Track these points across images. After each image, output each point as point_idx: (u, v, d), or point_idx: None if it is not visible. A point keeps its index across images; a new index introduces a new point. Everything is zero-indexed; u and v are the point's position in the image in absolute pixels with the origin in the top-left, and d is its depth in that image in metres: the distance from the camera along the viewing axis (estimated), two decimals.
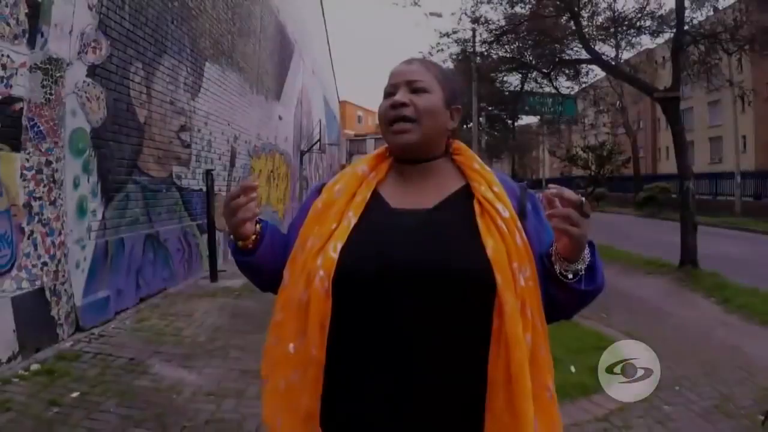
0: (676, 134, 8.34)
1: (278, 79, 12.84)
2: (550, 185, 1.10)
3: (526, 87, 18.66)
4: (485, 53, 14.96)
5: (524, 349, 0.91)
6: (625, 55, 19.55)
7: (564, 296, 1.00)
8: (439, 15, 19.22)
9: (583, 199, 0.90)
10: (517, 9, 12.16)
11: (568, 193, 0.91)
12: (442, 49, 14.03)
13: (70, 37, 4.49)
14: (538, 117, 24.81)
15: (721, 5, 10.61)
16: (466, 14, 13.10)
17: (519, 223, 0.99)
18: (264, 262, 1.09)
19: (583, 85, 16.56)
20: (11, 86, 3.93)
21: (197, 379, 3.52)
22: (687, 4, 11.11)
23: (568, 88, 17.14)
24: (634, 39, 13.40)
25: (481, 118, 25.99)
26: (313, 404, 0.95)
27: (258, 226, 1.08)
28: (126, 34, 5.35)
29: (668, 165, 42.17)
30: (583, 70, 14.67)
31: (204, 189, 7.22)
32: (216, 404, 3.13)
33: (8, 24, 3.92)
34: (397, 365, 0.94)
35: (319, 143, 17.11)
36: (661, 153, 44.85)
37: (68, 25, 4.48)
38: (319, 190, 1.11)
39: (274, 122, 12.46)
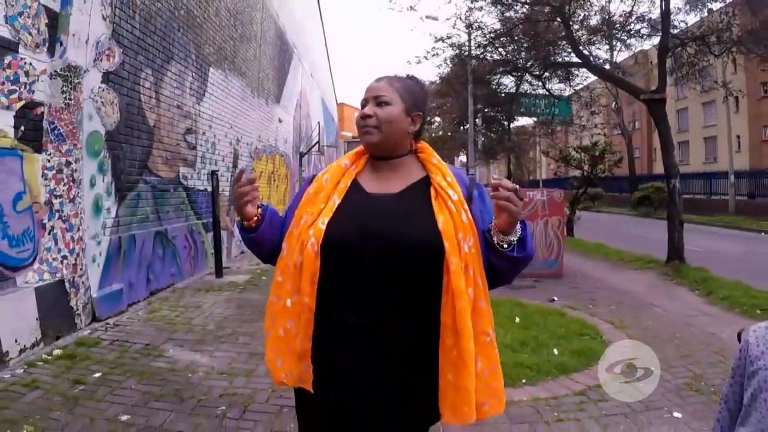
0: (662, 135, 8.65)
1: (278, 83, 13.15)
2: (494, 176, 1.41)
3: (522, 89, 19.00)
4: (480, 56, 15.25)
5: (467, 300, 1.22)
6: (621, 56, 19.94)
7: (501, 263, 1.31)
8: (435, 18, 19.49)
9: (518, 186, 1.21)
10: (511, 13, 12.48)
11: (507, 182, 1.22)
12: (437, 54, 14.35)
13: (86, 46, 4.79)
14: (534, 118, 25.11)
15: (708, 9, 10.95)
16: (460, 19, 13.44)
17: (465, 206, 1.30)
18: (265, 238, 1.41)
19: (576, 87, 16.84)
20: (33, 92, 4.24)
21: (210, 361, 3.81)
22: (680, 6, 11.48)
23: (561, 90, 17.45)
24: (628, 41, 13.73)
25: (477, 120, 26.32)
26: (305, 345, 1.27)
27: (259, 209, 1.40)
28: (137, 42, 5.66)
29: (662, 165, 42.62)
30: (575, 73, 14.97)
31: (208, 189, 7.52)
32: (228, 381, 3.43)
33: (30, 34, 4.23)
34: (371, 311, 1.25)
35: (317, 145, 17.40)
36: (657, 153, 45.18)
37: (84, 35, 4.78)
38: (311, 180, 1.44)
39: (275, 125, 12.76)
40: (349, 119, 55.67)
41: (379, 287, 1.25)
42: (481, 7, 11.49)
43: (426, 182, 1.37)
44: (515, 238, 1.27)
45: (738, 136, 31.07)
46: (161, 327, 4.67)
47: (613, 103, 36.52)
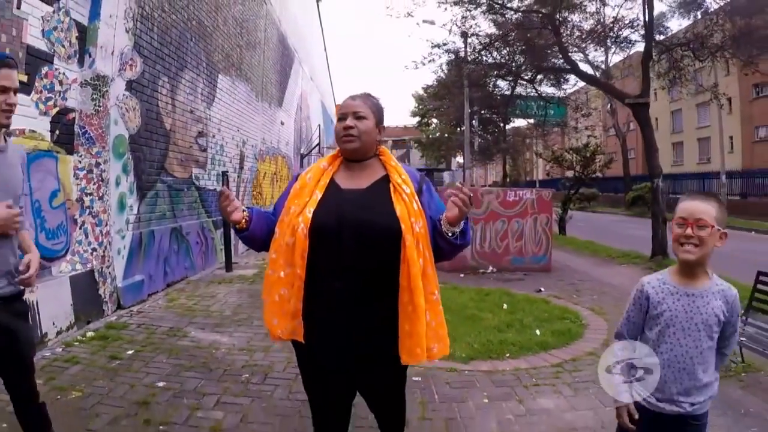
0: (646, 137, 9.13)
1: (280, 87, 13.60)
2: (458, 183, 1.87)
3: (516, 92, 19.49)
4: (476, 59, 15.69)
5: (418, 267, 1.67)
6: (617, 57, 20.43)
7: (445, 245, 1.76)
8: (432, 22, 19.97)
9: (471, 194, 1.67)
10: (506, 18, 12.95)
11: (465, 189, 1.66)
12: (434, 59, 14.84)
13: (112, 57, 5.25)
14: (530, 120, 25.61)
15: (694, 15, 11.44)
16: (456, 25, 13.90)
17: (416, 197, 1.76)
18: (255, 234, 1.84)
19: (569, 91, 17.35)
20: (66, 99, 4.69)
21: (230, 340, 4.27)
22: (666, 12, 11.98)
23: (555, 93, 17.95)
24: (618, 46, 14.22)
25: (474, 121, 26.83)
26: (297, 305, 1.72)
27: (245, 213, 1.81)
28: (155, 52, 6.11)
29: None
30: (566, 77, 15.47)
31: (218, 189, 7.96)
32: (248, 356, 3.90)
33: (63, 46, 4.68)
34: (348, 278, 1.69)
35: (318, 146, 17.85)
36: None
37: (110, 47, 5.24)
38: (296, 178, 1.89)
39: (277, 127, 13.22)
40: None
41: (353, 259, 1.69)
42: (474, 16, 11.96)
43: (386, 179, 1.81)
44: (459, 230, 1.72)
45: (731, 137, 31.60)
46: (181, 313, 5.13)
47: (608, 105, 36.96)
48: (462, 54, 15.49)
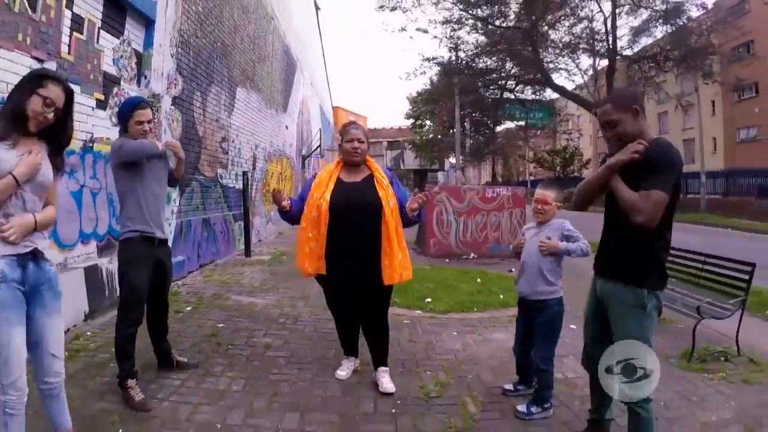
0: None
1: (285, 94, 14.84)
2: (441, 183, 3.24)
3: (505, 95, 20.86)
4: (465, 67, 17.02)
5: (392, 226, 3.02)
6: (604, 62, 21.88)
7: (407, 221, 3.13)
8: (425, 31, 21.23)
9: (428, 199, 3.03)
10: (493, 28, 14.29)
11: (427, 194, 3.08)
12: (424, 72, 16.18)
13: (161, 78, 6.49)
14: (519, 123, 26.98)
15: (659, 31, 12.81)
16: (446, 37, 15.24)
17: (390, 187, 3.10)
18: (295, 214, 3.18)
19: (550, 96, 18.71)
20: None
21: (263, 302, 5.53)
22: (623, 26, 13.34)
23: (536, 97, 19.31)
24: (590, 59, 15.63)
25: (465, 123, 28.17)
26: (321, 252, 3.07)
27: (288, 202, 3.14)
28: (190, 71, 7.36)
29: None
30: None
31: (236, 186, 9.23)
32: (280, 309, 5.16)
33: (127, 71, 5.92)
34: (352, 234, 3.03)
35: (319, 149, 19.08)
36: None
37: (160, 70, 6.48)
38: (314, 177, 3.26)
39: (282, 131, 14.46)
40: (344, 122, 57.23)
41: (356, 223, 3.01)
42: (459, 36, 13.28)
43: (371, 176, 3.15)
44: (415, 214, 3.08)
45: (714, 138, 33.02)
46: (219, 285, 6.38)
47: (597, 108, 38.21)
48: (453, 63, 16.81)
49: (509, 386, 3.23)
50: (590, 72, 22.11)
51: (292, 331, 4.42)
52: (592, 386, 2.54)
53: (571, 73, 15.62)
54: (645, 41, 12.91)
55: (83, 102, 4.97)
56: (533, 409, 2.89)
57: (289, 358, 3.76)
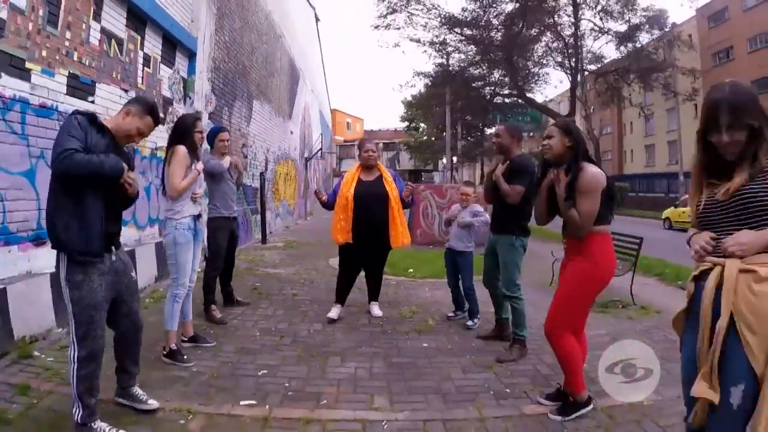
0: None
1: (290, 102, 16.53)
2: (408, 183, 4.92)
3: (494, 100, 22.60)
4: (455, 75, 18.72)
5: (395, 209, 4.76)
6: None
7: (404, 204, 4.89)
8: (418, 41, 22.88)
9: (415, 190, 4.77)
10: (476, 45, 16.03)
11: (412, 186, 4.79)
12: (414, 85, 17.96)
13: (201, 98, 8.18)
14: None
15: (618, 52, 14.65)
16: (435, 51, 16.95)
17: (393, 182, 4.85)
18: (330, 204, 4.91)
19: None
20: None
21: (285, 272, 7.23)
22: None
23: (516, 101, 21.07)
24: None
25: (458, 126, 29.89)
26: (348, 228, 4.79)
27: (325, 196, 4.90)
28: (220, 90, 9.04)
29: (633, 166, 46.57)
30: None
31: (253, 185, 10.91)
32: (299, 276, 6.88)
33: (177, 94, 7.60)
34: (370, 214, 4.75)
35: (320, 152, 20.78)
36: (627, 155, 49.35)
37: (200, 91, 8.17)
38: (342, 176, 5.03)
39: (288, 136, 16.15)
40: (341, 124, 58.91)
41: (371, 208, 4.71)
42: (445, 49, 15.00)
43: (381, 176, 4.86)
44: (409, 199, 4.82)
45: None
46: (248, 262, 8.07)
47: (583, 112, 39.97)
48: (441, 74, 18.54)
49: (451, 313, 4.95)
50: (562, 84, 23.92)
51: (309, 287, 6.14)
52: (492, 298, 4.25)
53: (549, 84, 17.40)
54: (608, 59, 14.86)
55: None
56: (472, 322, 4.61)
57: (310, 300, 5.49)
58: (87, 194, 2.42)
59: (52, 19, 4.68)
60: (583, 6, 12.66)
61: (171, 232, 3.62)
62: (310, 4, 22.67)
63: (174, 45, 7.46)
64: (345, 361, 3.70)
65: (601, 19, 14.23)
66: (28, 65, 4.35)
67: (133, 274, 2.81)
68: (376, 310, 4.91)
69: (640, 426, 2.73)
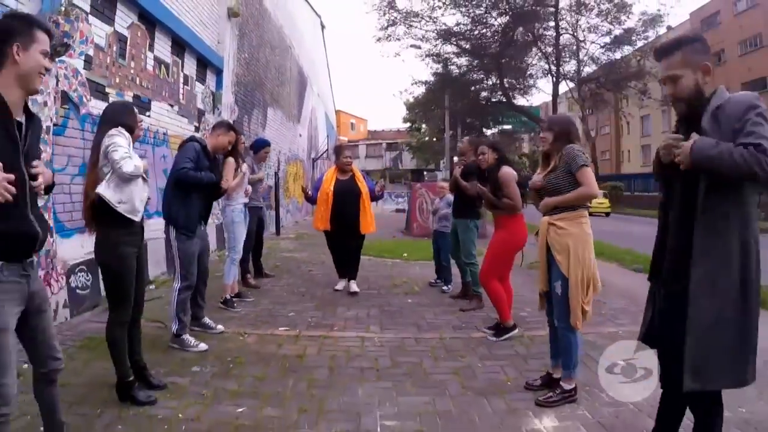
0: None
1: (298, 108, 17.92)
2: (381, 181, 6.31)
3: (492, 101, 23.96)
4: (454, 80, 20.05)
5: (368, 202, 6.10)
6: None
7: (373, 198, 6.22)
8: (418, 47, 24.24)
9: (382, 187, 6.15)
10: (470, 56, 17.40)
11: (383, 183, 6.20)
12: (412, 93, 19.31)
13: (227, 109, 9.58)
14: (506, 126, 30.09)
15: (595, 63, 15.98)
16: (433, 60, 18.29)
17: (364, 180, 6.20)
18: (313, 198, 6.23)
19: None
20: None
21: (300, 255, 8.64)
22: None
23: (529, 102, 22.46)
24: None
25: (458, 128, 31.23)
26: (327, 217, 6.10)
27: (310, 192, 6.24)
28: (241, 101, 10.44)
29: (630, 166, 47.77)
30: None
31: (269, 184, 12.30)
32: (312, 259, 8.26)
33: (208, 106, 9.01)
34: (345, 207, 6.04)
35: (326, 153, 22.18)
36: (624, 155, 50.58)
37: (227, 103, 9.57)
38: (322, 176, 6.39)
39: (297, 139, 17.55)
40: (346, 125, 60.21)
41: (346, 202, 5.99)
42: (442, 62, 16.34)
43: (353, 176, 6.13)
44: (379, 195, 6.20)
45: None
46: (267, 248, 9.38)
47: (579, 113, 41.31)
48: (439, 81, 19.89)
49: (432, 280, 6.32)
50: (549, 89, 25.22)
51: (321, 266, 7.54)
52: (459, 268, 5.61)
53: (538, 89, 18.85)
54: (588, 69, 16.18)
55: (188, 129, 8.06)
56: (446, 287, 5.99)
57: (322, 274, 6.90)
58: (191, 193, 3.81)
59: (122, 52, 6.09)
60: (564, 21, 14.06)
61: (229, 214, 5.02)
62: (316, 13, 24.05)
63: (205, 65, 8.85)
64: (349, 309, 5.09)
65: (582, 33, 15.60)
66: (107, 90, 5.75)
67: (208, 240, 4.21)
68: (353, 286, 6.10)
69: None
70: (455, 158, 6.32)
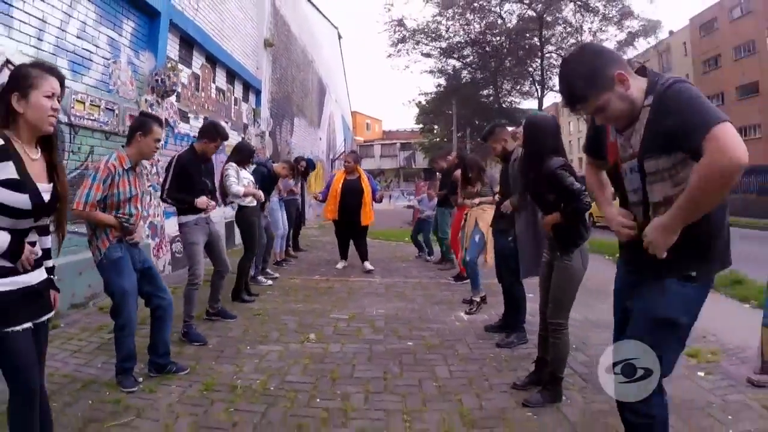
0: None
1: (318, 114, 20.21)
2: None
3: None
4: (460, 87, 22.10)
5: (369, 199, 8.23)
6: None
7: (374, 198, 8.39)
8: (428, 55, 26.30)
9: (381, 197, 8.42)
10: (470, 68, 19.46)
11: (383, 192, 8.50)
12: (420, 102, 21.44)
13: (265, 122, 11.88)
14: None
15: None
16: (440, 72, 20.39)
17: (368, 181, 8.36)
18: (324, 196, 8.44)
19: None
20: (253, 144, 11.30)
21: (323, 239, 10.93)
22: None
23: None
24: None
25: (467, 130, 33.25)
26: (335, 209, 8.24)
27: (320, 197, 8.48)
28: (275, 114, 12.75)
29: None
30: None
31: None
32: (332, 240, 10.49)
33: (249, 120, 11.32)
34: (352, 200, 8.18)
35: (343, 154, 24.47)
36: None
37: (265, 116, 11.87)
38: (333, 176, 8.66)
39: (317, 142, 19.85)
40: (361, 126, 62.11)
41: (351, 198, 8.11)
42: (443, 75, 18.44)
43: (359, 177, 8.22)
44: (378, 196, 8.37)
45: None
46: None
47: (576, 118, 42.89)
48: (445, 92, 21.96)
49: (416, 255, 8.54)
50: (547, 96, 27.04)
51: (330, 251, 9.79)
52: (438, 242, 7.80)
53: (529, 98, 20.88)
54: None
55: (237, 139, 10.36)
56: (428, 257, 8.20)
57: (331, 258, 9.13)
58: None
59: (197, 85, 8.42)
60: (548, 45, 15.94)
61: (269, 207, 7.30)
62: (333, 26, 26.32)
63: (248, 87, 11.17)
64: (359, 276, 7.36)
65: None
66: (189, 115, 8.08)
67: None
68: (367, 265, 8.05)
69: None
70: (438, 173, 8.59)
